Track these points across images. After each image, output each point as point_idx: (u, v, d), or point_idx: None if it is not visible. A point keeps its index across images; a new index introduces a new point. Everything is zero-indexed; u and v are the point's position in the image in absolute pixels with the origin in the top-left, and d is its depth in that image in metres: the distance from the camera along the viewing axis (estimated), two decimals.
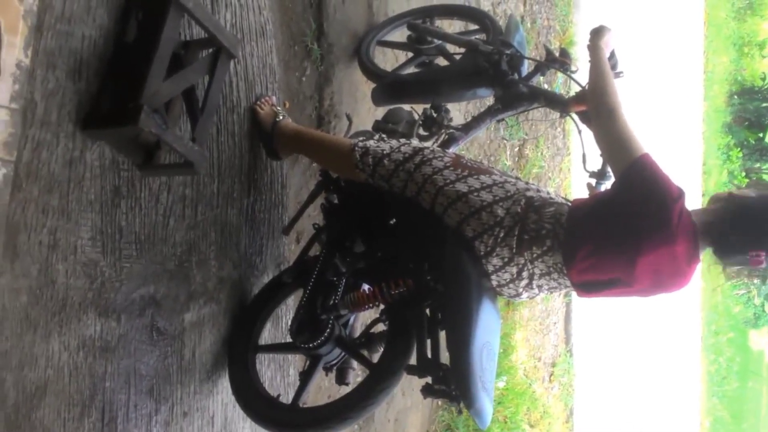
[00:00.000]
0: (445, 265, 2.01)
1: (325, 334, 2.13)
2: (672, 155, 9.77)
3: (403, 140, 2.29)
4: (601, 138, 2.04)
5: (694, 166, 11.56)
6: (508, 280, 2.05)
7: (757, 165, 13.67)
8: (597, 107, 2.04)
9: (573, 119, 2.42)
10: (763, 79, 14.07)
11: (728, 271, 13.99)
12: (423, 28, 3.09)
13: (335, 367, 2.27)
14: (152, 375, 2.04)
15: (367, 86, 3.16)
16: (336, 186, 2.38)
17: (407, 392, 3.66)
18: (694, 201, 11.69)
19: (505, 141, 4.47)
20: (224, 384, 2.37)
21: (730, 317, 14.90)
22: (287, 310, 2.62)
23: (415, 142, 2.35)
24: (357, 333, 2.36)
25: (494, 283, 2.07)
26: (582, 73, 2.31)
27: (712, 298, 13.53)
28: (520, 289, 2.08)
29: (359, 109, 3.14)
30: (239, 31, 2.38)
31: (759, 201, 1.93)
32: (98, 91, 1.76)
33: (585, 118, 2.35)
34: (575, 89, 2.37)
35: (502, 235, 1.99)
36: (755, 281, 14.41)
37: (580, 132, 2.36)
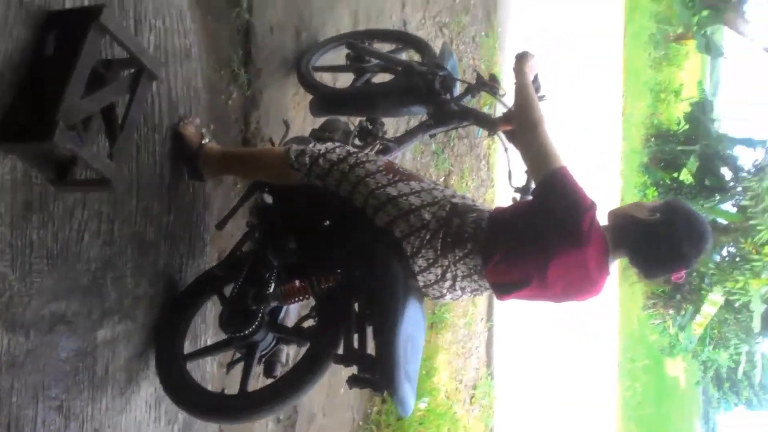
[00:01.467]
0: (375, 262, 2.13)
1: (256, 323, 2.21)
2: (592, 192, 10.14)
3: (338, 143, 2.41)
4: (525, 150, 2.21)
5: (612, 203, 12.01)
6: (432, 281, 2.18)
7: None
8: (522, 122, 2.23)
9: (500, 138, 2.59)
10: (678, 124, 14.84)
11: (647, 285, 14.51)
12: (362, 48, 3.26)
13: (263, 360, 2.32)
14: (62, 391, 2.01)
15: (295, 111, 3.23)
16: (270, 186, 2.45)
17: (328, 412, 3.66)
18: None
19: (430, 171, 4.59)
20: (138, 401, 2.35)
21: (646, 345, 15.39)
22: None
23: (349, 147, 2.46)
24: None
25: (420, 283, 2.19)
26: (509, 97, 2.50)
27: (629, 326, 13.98)
28: (444, 290, 2.21)
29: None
30: (163, 53, 2.40)
31: (661, 225, 2.08)
32: (12, 105, 1.75)
33: (511, 136, 2.50)
34: (502, 111, 2.56)
35: (427, 237, 2.12)
36: (670, 311, 14.99)
37: (506, 150, 2.55)
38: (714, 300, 13.13)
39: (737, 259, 13.06)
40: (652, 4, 14.47)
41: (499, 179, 5.83)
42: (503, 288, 2.20)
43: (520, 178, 2.49)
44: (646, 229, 2.10)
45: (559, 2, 8.16)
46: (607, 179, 11.29)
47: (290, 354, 2.73)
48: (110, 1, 2.20)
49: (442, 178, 4.78)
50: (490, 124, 2.59)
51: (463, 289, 2.22)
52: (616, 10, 12.46)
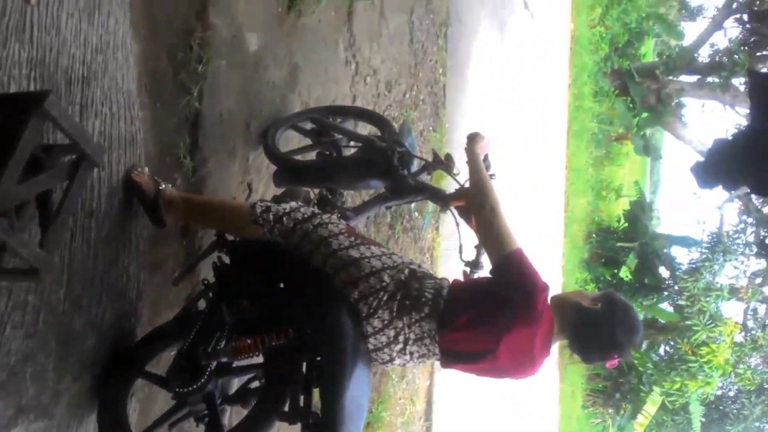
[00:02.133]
0: (327, 322, 2.18)
1: (202, 380, 2.18)
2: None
3: (302, 204, 2.49)
4: (483, 231, 2.37)
5: None
6: (384, 343, 2.25)
7: None
8: (480, 204, 2.36)
9: (452, 213, 2.71)
10: (618, 221, 15.29)
11: (586, 383, 14.53)
12: (326, 123, 3.41)
13: (206, 420, 2.29)
14: None
15: (241, 199, 3.19)
16: (229, 247, 2.50)
17: None
18: (551, 355, 12.19)
19: None
20: None
21: None
22: None
23: (313, 208, 2.56)
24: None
25: (371, 346, 2.25)
26: (462, 176, 2.65)
27: (569, 426, 13.90)
28: (394, 354, 2.28)
29: None
30: (107, 138, 2.38)
31: (601, 315, 2.24)
32: None
33: (462, 212, 2.65)
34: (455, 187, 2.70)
35: (385, 298, 2.22)
36: (610, 410, 15.01)
37: (458, 225, 2.65)
38: (653, 400, 13.24)
39: (674, 359, 13.25)
40: (595, 105, 15.11)
41: (440, 273, 5.85)
42: (454, 356, 2.30)
43: (470, 252, 2.61)
44: (587, 317, 2.24)
45: (507, 101, 8.45)
46: (549, 275, 11.46)
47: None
48: (57, 86, 2.19)
49: None
50: (443, 199, 2.73)
51: (411, 354, 2.29)
52: (560, 110, 12.97)
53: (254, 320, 2.32)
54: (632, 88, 15.60)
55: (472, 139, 2.56)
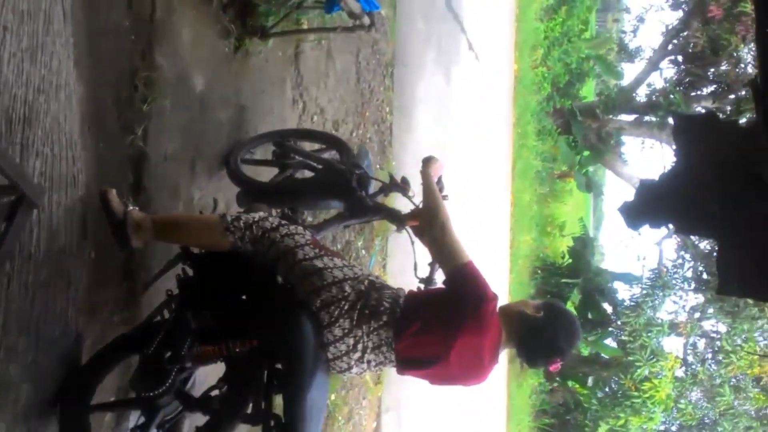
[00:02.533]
0: (288, 330, 2.28)
1: (168, 384, 2.23)
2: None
3: (267, 213, 2.61)
4: (435, 246, 2.52)
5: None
6: (343, 352, 2.36)
7: None
8: (431, 222, 2.53)
9: (408, 232, 2.84)
10: (563, 258, 15.58)
11: (534, 420, 14.60)
12: (287, 146, 3.54)
13: (166, 428, 2.36)
14: None
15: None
16: (193, 260, 2.55)
17: None
18: (498, 373, 12.30)
19: None
20: None
21: None
22: None
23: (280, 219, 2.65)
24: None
25: (330, 355, 2.36)
26: (417, 198, 2.79)
27: None
28: (352, 362, 2.39)
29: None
30: (48, 179, 2.34)
31: (543, 322, 2.42)
32: None
33: (417, 231, 2.73)
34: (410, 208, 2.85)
35: (346, 307, 2.34)
36: None
37: (413, 243, 2.77)
38: None
39: (618, 395, 13.45)
40: (538, 143, 15.46)
41: None
42: (409, 362, 2.44)
43: (424, 269, 2.78)
44: (531, 325, 2.42)
45: (453, 139, 8.60)
46: None
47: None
48: None
49: None
50: (399, 219, 2.87)
51: (369, 362, 2.41)
52: (505, 148, 13.25)
53: (218, 328, 2.37)
54: (574, 126, 16.06)
55: (427, 162, 2.74)
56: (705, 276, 14.32)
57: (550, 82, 15.68)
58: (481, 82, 10.75)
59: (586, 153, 16.72)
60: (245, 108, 3.71)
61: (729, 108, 14.26)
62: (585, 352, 16.05)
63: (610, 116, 17.09)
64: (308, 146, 3.75)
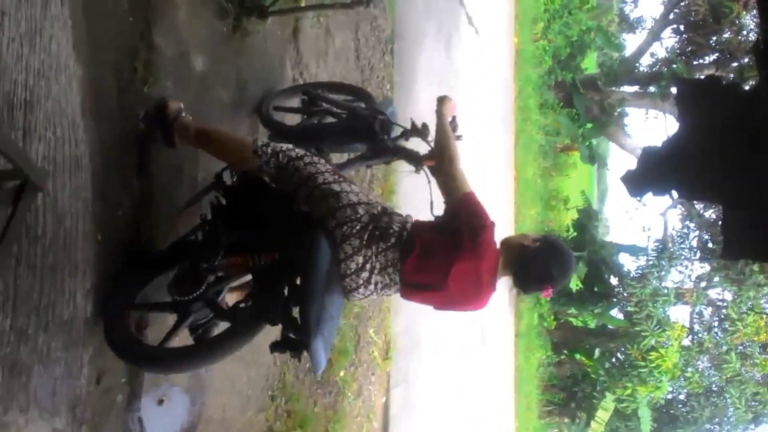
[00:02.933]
0: (305, 244, 2.48)
1: (201, 289, 2.51)
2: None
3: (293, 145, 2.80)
4: (440, 177, 2.74)
5: (506, 310, 12.29)
6: (353, 270, 2.55)
7: (564, 308, 14.82)
8: (440, 155, 2.76)
9: (425, 171, 3.04)
10: (567, 231, 15.57)
11: (542, 393, 14.70)
12: (315, 94, 3.77)
13: (199, 332, 2.66)
14: None
15: (187, 219, 3.16)
16: (225, 189, 2.79)
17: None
18: (506, 346, 12.37)
19: None
20: None
21: None
22: None
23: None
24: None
25: (341, 272, 2.54)
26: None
27: None
28: (360, 282, 2.57)
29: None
30: (52, 163, 2.34)
31: (539, 251, 2.62)
32: None
33: (433, 171, 2.93)
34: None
35: (358, 227, 2.54)
36: (565, 420, 15.21)
37: (429, 182, 2.93)
38: (606, 406, 13.47)
39: (625, 365, 13.50)
40: (541, 117, 15.40)
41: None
42: (412, 286, 2.62)
43: (440, 208, 2.82)
44: (528, 253, 2.62)
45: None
46: (499, 286, 11.58)
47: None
48: None
49: None
50: (416, 159, 3.13)
51: (376, 284, 2.59)
52: (507, 122, 13.19)
53: (246, 243, 2.63)
54: (576, 99, 15.99)
55: (441, 101, 2.94)
56: (710, 245, 14.35)
57: (551, 55, 15.59)
58: (481, 56, 10.68)
59: (588, 125, 16.65)
60: (246, 87, 3.70)
61: (732, 76, 14.17)
62: (591, 324, 16.12)
63: (613, 88, 17.00)
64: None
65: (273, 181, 2.74)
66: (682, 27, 16.58)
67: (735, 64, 14.89)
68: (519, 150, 13.79)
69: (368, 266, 2.55)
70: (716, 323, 14.29)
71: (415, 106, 6.99)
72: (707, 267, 14.58)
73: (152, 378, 2.88)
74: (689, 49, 16.11)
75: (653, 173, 2.12)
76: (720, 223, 2.01)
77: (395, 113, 3.46)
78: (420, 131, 3.22)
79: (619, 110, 17.49)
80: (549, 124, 15.84)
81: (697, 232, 14.95)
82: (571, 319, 16.34)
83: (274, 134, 3.45)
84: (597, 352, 14.65)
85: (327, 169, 2.70)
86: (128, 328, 2.60)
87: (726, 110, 1.92)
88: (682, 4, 16.21)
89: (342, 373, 4.88)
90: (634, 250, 14.64)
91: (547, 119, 15.68)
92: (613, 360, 14.36)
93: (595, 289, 14.28)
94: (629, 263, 15.11)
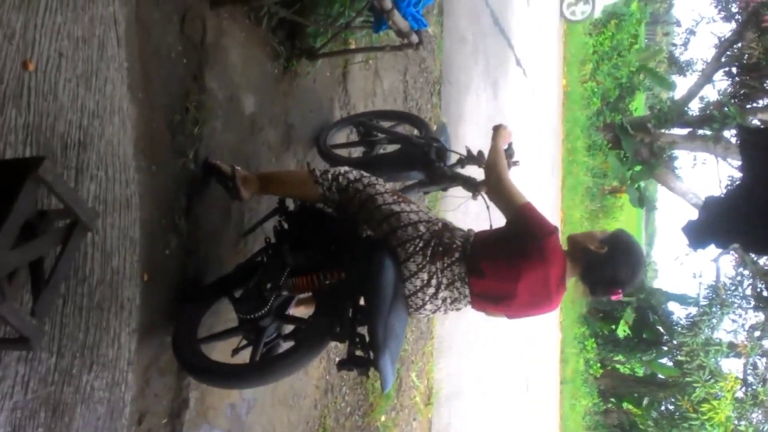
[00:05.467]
0: (371, 263, 2.54)
1: (268, 306, 2.60)
2: (532, 346, 10.22)
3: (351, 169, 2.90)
4: (494, 195, 2.78)
5: (551, 356, 12.01)
6: (418, 287, 2.60)
7: (611, 355, 14.43)
8: (488, 176, 2.80)
9: (483, 198, 3.09)
10: None
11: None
12: (370, 124, 3.90)
13: (264, 351, 2.71)
14: None
15: (233, 259, 3.16)
16: (286, 214, 2.93)
17: None
18: (551, 393, 12.07)
19: None
20: None
21: None
22: None
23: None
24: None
25: (407, 291, 2.60)
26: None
27: None
28: (427, 298, 2.62)
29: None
30: (102, 202, 2.36)
31: (605, 256, 2.58)
32: None
33: (489, 193, 2.96)
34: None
35: (421, 245, 2.59)
36: None
37: (488, 207, 2.97)
38: None
39: (675, 416, 13.04)
40: (588, 159, 15.21)
41: (438, 332, 5.79)
42: (482, 297, 2.66)
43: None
44: (594, 259, 2.60)
45: None
46: (547, 331, 11.35)
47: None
48: (53, 151, 2.19)
49: None
50: (473, 185, 3.20)
51: (443, 300, 2.65)
52: (555, 164, 13.06)
53: (310, 264, 2.70)
54: (625, 141, 15.75)
55: (497, 129, 3.03)
56: (765, 293, 13.85)
57: (600, 97, 15.46)
58: (529, 97, 10.64)
59: (637, 168, 16.36)
60: (293, 127, 3.71)
61: None
62: (639, 372, 15.64)
63: (662, 130, 16.72)
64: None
65: (335, 207, 2.85)
66: (734, 70, 16.28)
67: None
68: (566, 192, 13.61)
69: (434, 282, 2.60)
70: None
71: (461, 148, 6.95)
72: (762, 316, 14.07)
73: (192, 419, 2.86)
74: (742, 92, 15.79)
75: (716, 225, 2.04)
76: None
77: (449, 140, 3.63)
78: (476, 158, 3.34)
79: (668, 153, 17.17)
80: (597, 166, 15.63)
81: (751, 280, 14.46)
82: (618, 366, 15.90)
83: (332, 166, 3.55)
84: (645, 401, 14.19)
85: (386, 189, 2.79)
86: (200, 353, 2.65)
87: None
88: (735, 47, 15.94)
89: (383, 418, 4.78)
90: (684, 300, 14.23)
91: (595, 161, 15.48)
92: (663, 410, 13.89)
93: (644, 335, 13.89)
94: (679, 310, 14.70)
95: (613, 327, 13.88)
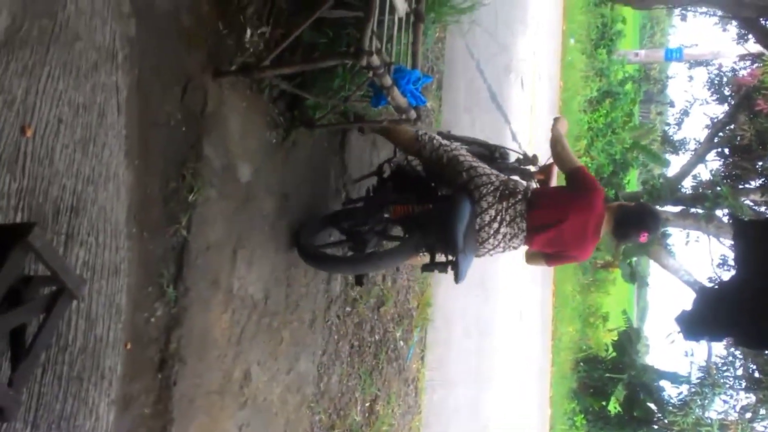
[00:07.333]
0: (454, 197, 3.47)
1: (373, 221, 3.61)
2: (520, 422, 10.02)
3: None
4: (557, 160, 3.78)
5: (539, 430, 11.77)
6: (486, 221, 3.45)
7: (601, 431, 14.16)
8: (553, 146, 3.77)
9: (536, 183, 4.14)
10: (606, 350, 15.11)
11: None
12: (458, 138, 4.60)
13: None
14: None
15: (220, 333, 3.11)
16: (380, 178, 4.05)
17: None
18: None
19: (356, 395, 4.43)
20: None
21: None
22: None
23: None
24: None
25: (477, 226, 3.43)
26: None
27: None
28: (491, 232, 3.47)
29: (207, 356, 3.05)
30: (90, 269, 2.34)
31: (636, 207, 3.66)
32: None
33: (542, 183, 4.10)
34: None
35: (491, 188, 3.49)
36: None
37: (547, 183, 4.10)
38: None
39: None
40: None
41: (425, 407, 5.67)
42: (535, 230, 3.50)
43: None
44: (627, 209, 3.59)
45: None
46: (537, 407, 11.16)
47: None
48: (44, 216, 2.18)
49: (368, 404, 4.62)
50: (528, 175, 4.20)
51: (504, 235, 3.48)
52: None
53: (406, 197, 3.73)
54: None
55: (556, 120, 3.86)
56: (756, 375, 13.70)
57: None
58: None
59: (630, 244, 16.40)
60: (288, 197, 3.71)
61: None
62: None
63: (655, 207, 16.82)
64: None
65: (425, 161, 3.81)
66: (727, 151, 16.52)
67: None
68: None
69: (498, 218, 3.44)
70: None
71: None
72: (753, 398, 13.88)
73: None
74: (734, 173, 15.99)
75: (709, 317, 2.02)
76: None
77: (508, 154, 4.56)
78: (531, 160, 4.30)
79: (661, 230, 17.24)
80: None
81: (742, 361, 14.33)
82: None
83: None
84: None
85: (465, 153, 3.71)
86: (320, 252, 3.58)
87: None
88: (728, 128, 16.22)
89: None
90: (676, 378, 14.05)
91: None
92: None
93: (635, 413, 13.66)
94: (670, 388, 14.50)
95: (604, 403, 13.68)
